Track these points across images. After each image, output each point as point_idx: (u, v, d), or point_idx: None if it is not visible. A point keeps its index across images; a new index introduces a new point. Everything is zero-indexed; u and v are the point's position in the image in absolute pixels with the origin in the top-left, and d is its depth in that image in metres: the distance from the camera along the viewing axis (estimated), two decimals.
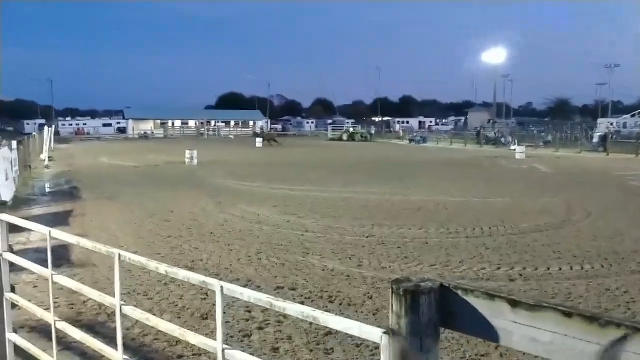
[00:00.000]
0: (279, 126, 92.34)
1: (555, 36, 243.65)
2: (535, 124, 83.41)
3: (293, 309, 1.97)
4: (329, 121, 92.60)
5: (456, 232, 10.96)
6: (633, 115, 60.83)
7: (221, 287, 2.16)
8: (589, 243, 9.97)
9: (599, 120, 64.17)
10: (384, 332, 1.72)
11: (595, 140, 44.04)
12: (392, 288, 1.66)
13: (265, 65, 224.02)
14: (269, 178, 21.32)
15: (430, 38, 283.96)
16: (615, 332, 1.33)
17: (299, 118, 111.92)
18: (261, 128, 73.12)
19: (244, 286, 7.32)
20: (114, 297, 2.99)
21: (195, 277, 2.36)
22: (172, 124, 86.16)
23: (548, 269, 8.30)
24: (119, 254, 2.81)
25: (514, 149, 37.42)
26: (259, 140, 49.65)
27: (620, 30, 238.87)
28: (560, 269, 8.31)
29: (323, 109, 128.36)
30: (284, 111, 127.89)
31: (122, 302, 2.88)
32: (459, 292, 1.61)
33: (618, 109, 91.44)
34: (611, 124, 57.29)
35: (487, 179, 22.20)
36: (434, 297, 1.62)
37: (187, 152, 28.63)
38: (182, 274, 2.47)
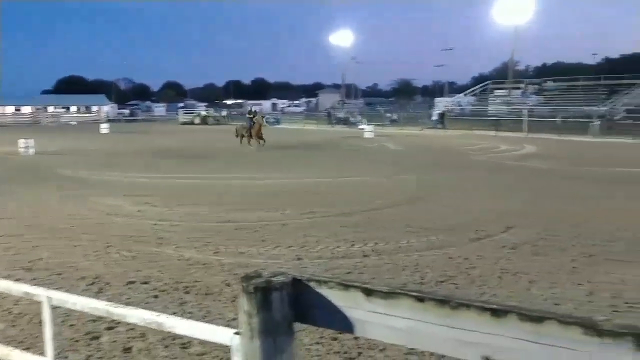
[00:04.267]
0: (126, 111, 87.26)
1: (399, 20, 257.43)
2: (382, 104, 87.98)
3: (134, 315, 1.76)
4: (181, 105, 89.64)
5: (313, 212, 11.11)
6: (466, 95, 66.52)
7: (48, 297, 1.88)
8: (438, 216, 10.64)
9: (437, 99, 69.27)
10: (235, 333, 1.59)
11: (434, 118, 47.38)
12: (242, 286, 1.52)
13: (110, 48, 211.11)
14: (115, 167, 20.11)
15: (282, 22, 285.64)
16: (466, 314, 1.32)
17: (148, 102, 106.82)
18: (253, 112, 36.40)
19: (91, 284, 6.85)
20: None
21: (17, 288, 2.03)
22: (4, 111, 77.79)
23: (398, 242, 8.72)
24: None
25: (363, 129, 39.06)
26: (104, 126, 46.29)
27: (457, 16, 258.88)
28: (408, 242, 8.77)
29: (174, 92, 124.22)
30: (132, 95, 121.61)
31: None
32: (312, 284, 1.52)
33: (453, 89, 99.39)
34: (448, 103, 62.08)
35: (341, 158, 22.91)
36: (287, 292, 1.51)
37: (21, 141, 25.99)
38: (0, 284, 2.12)
